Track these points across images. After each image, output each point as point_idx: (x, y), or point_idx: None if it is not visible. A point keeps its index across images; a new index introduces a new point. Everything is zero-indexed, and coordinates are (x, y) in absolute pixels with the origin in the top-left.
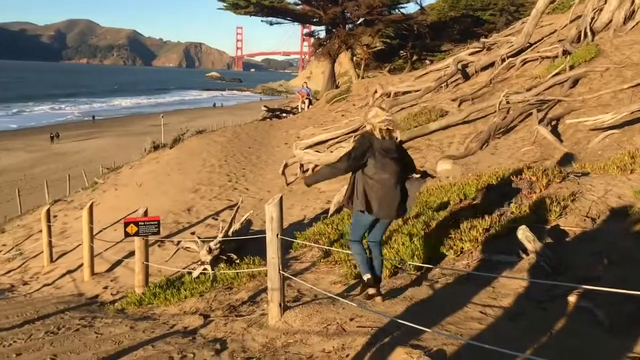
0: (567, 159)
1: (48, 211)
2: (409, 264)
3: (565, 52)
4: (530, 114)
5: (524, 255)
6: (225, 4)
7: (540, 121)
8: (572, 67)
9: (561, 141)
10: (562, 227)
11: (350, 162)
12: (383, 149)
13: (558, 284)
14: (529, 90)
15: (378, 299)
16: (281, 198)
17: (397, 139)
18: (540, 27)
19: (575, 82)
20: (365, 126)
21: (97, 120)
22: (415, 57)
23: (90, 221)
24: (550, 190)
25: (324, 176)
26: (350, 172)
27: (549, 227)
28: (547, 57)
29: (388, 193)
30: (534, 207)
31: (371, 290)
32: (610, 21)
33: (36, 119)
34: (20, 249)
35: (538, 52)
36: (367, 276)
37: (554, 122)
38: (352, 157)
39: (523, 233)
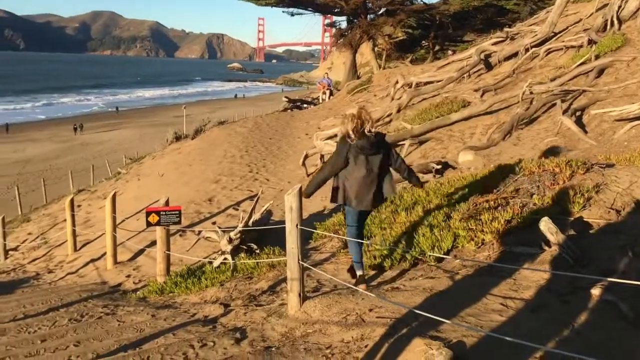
0: (591, 150)
1: (72, 201)
2: (429, 255)
3: (591, 42)
4: (554, 104)
5: (546, 247)
6: None
7: (565, 112)
8: (597, 57)
9: (586, 132)
10: (585, 219)
11: (333, 169)
12: (358, 147)
13: (581, 276)
14: (553, 80)
15: (363, 286)
16: (301, 188)
17: (372, 134)
18: (565, 16)
19: (600, 72)
20: (341, 131)
21: (121, 111)
22: (437, 48)
23: (113, 211)
24: (574, 182)
25: (317, 183)
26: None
27: (572, 218)
28: (572, 47)
29: (363, 188)
30: (556, 198)
31: (362, 286)
32: (638, 9)
33: (62, 110)
34: (45, 238)
35: (563, 41)
36: (359, 272)
37: (578, 113)
38: (332, 164)
39: (545, 225)
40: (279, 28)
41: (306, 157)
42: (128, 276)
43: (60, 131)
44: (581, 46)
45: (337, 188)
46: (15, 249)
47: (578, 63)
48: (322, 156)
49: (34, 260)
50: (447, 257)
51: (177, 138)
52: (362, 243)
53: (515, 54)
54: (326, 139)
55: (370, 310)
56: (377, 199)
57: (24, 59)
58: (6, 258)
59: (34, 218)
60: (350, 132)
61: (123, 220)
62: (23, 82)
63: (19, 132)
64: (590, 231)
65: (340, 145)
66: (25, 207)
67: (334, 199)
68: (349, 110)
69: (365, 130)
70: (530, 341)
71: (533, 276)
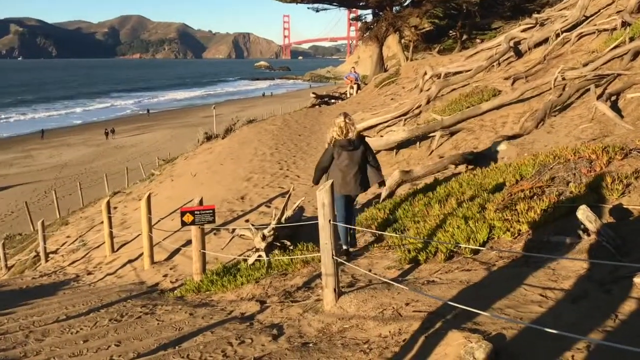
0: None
1: (108, 203)
2: (465, 248)
3: (625, 24)
4: (588, 89)
5: (584, 236)
6: None
7: (599, 97)
8: (632, 39)
9: (622, 117)
10: (625, 206)
11: (323, 162)
12: (341, 146)
13: (622, 264)
14: (585, 65)
15: (343, 257)
16: (332, 184)
17: (352, 137)
18: None
19: (635, 55)
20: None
21: (152, 114)
22: (465, 37)
23: (149, 211)
24: (612, 168)
25: (317, 176)
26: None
27: (611, 206)
28: (605, 30)
29: (346, 175)
30: (594, 185)
31: (342, 257)
32: None
33: (96, 115)
34: (84, 240)
35: (595, 25)
36: (344, 247)
37: (613, 98)
38: (322, 158)
39: (583, 213)
40: (304, 25)
41: None
42: (165, 276)
43: (94, 135)
44: (614, 29)
45: (326, 176)
46: (55, 252)
47: (612, 46)
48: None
49: (73, 262)
50: (482, 248)
51: (208, 138)
52: (347, 227)
53: (546, 40)
54: None
55: (407, 304)
56: (363, 186)
57: (56, 65)
58: (47, 261)
59: (72, 221)
60: (335, 136)
61: (158, 221)
62: (57, 89)
63: (54, 137)
64: (630, 218)
65: (328, 144)
66: (63, 211)
67: (317, 180)
68: (337, 118)
69: (349, 134)
70: (572, 332)
71: (572, 266)
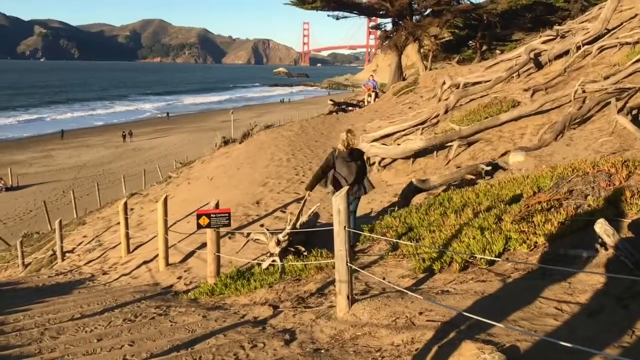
0: None
1: (125, 204)
2: (480, 258)
3: None
4: (608, 103)
5: (602, 250)
6: (292, 0)
7: (620, 110)
8: None
9: None
10: None
11: (323, 170)
12: (341, 157)
13: None
14: (606, 78)
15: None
16: (348, 191)
17: (351, 149)
18: (619, 11)
19: None
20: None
21: (171, 117)
22: (484, 47)
23: (165, 213)
24: (631, 182)
25: (315, 180)
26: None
27: (630, 220)
28: (627, 43)
29: (346, 182)
30: (613, 199)
31: None
32: None
33: (117, 117)
34: (100, 240)
35: (617, 38)
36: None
37: (634, 112)
38: (323, 167)
39: (601, 226)
40: (323, 32)
41: None
42: (179, 278)
43: (113, 137)
44: (637, 42)
45: (330, 180)
46: (71, 251)
47: (634, 60)
48: (368, 158)
49: (89, 262)
50: (498, 260)
51: (226, 142)
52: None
53: (566, 52)
54: (372, 141)
55: (420, 313)
56: (360, 191)
57: (78, 67)
58: (63, 260)
59: (89, 221)
60: (340, 148)
61: (174, 223)
62: (78, 91)
63: (73, 138)
64: None
65: (330, 154)
66: (81, 211)
67: (325, 186)
68: (342, 133)
69: (351, 146)
70: (588, 347)
71: (589, 279)
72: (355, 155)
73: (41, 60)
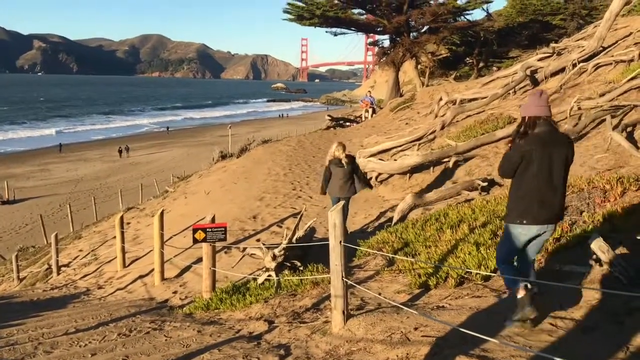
0: None
1: (122, 218)
2: (476, 274)
3: None
4: (604, 120)
5: (597, 266)
6: (290, 16)
7: (615, 127)
8: None
9: (638, 148)
10: (638, 238)
11: (325, 176)
12: (335, 164)
13: (635, 295)
14: (602, 95)
15: None
16: (343, 206)
17: (344, 158)
18: (615, 30)
19: None
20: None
21: (170, 132)
22: (481, 64)
23: (161, 228)
24: (626, 199)
25: (322, 185)
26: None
27: (624, 237)
28: (622, 61)
29: (341, 184)
30: (607, 216)
31: None
32: None
33: (114, 131)
34: (96, 254)
35: (612, 56)
36: None
37: (629, 129)
38: (325, 175)
39: (596, 243)
40: (322, 48)
41: None
42: (175, 292)
43: (111, 151)
44: (632, 60)
45: (327, 185)
46: (67, 265)
47: (629, 78)
48: (365, 173)
49: (84, 276)
50: (494, 275)
51: (223, 157)
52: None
53: (562, 70)
54: (369, 157)
55: (416, 328)
56: (351, 191)
57: (76, 81)
58: (59, 274)
59: (85, 235)
60: (334, 157)
61: (170, 237)
62: (78, 105)
63: (71, 152)
64: None
65: (327, 167)
66: (77, 225)
67: (324, 191)
68: (334, 144)
69: (342, 155)
70: None
71: (584, 295)
72: (345, 162)
73: (39, 74)
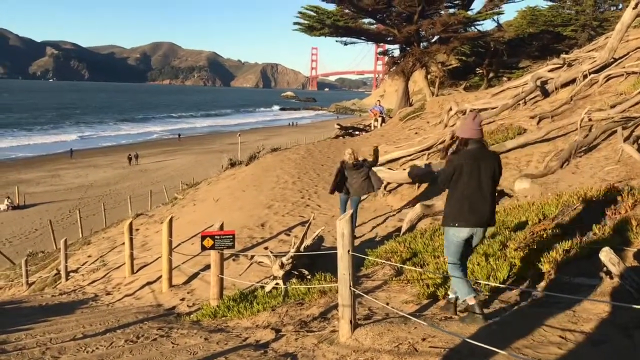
0: None
1: (130, 224)
2: (484, 285)
3: None
4: (615, 131)
5: (607, 279)
6: (300, 27)
7: (626, 139)
8: None
9: None
10: None
11: (335, 177)
12: (349, 167)
13: None
14: (613, 107)
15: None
16: (352, 214)
17: (356, 161)
18: (626, 41)
19: None
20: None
21: (181, 139)
22: (491, 75)
23: (170, 235)
24: (637, 211)
25: (332, 185)
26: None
27: (635, 249)
28: (634, 73)
29: (355, 184)
30: (618, 228)
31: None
32: None
33: (125, 138)
34: (104, 260)
35: (623, 67)
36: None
37: None
38: (336, 175)
39: (607, 255)
40: (331, 57)
41: None
42: (182, 299)
43: (121, 158)
44: None
45: (339, 185)
46: (75, 271)
47: None
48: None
49: (93, 282)
50: (503, 286)
51: (232, 164)
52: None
53: (573, 81)
54: (378, 166)
55: (423, 339)
56: (367, 190)
57: (88, 88)
58: (67, 279)
59: (94, 241)
60: (346, 161)
61: (179, 244)
62: (89, 111)
63: (82, 157)
64: None
65: (338, 167)
66: (86, 230)
67: (334, 190)
68: (346, 150)
69: (354, 159)
70: None
71: (594, 308)
72: (358, 164)
73: (50, 80)
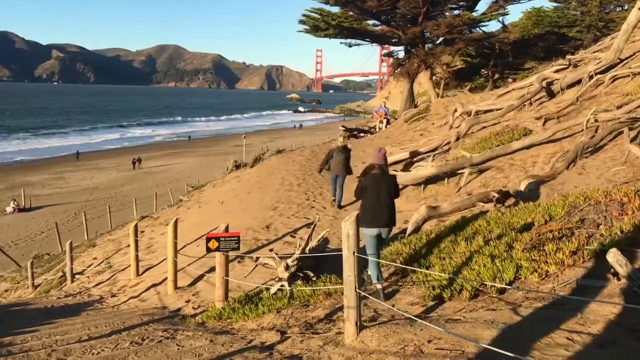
0: None
1: (136, 227)
2: (490, 286)
3: None
4: (621, 132)
5: (614, 280)
6: (305, 27)
7: (632, 140)
8: None
9: None
10: None
11: (324, 160)
12: (337, 152)
13: None
14: (619, 107)
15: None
16: (357, 216)
17: (344, 147)
18: (632, 42)
19: None
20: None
21: (185, 141)
22: (497, 76)
23: (175, 237)
24: None
25: (320, 167)
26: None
27: None
28: None
29: (338, 165)
30: (625, 229)
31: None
32: None
33: (131, 140)
34: (110, 263)
35: (629, 68)
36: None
37: None
38: (325, 159)
39: (614, 256)
40: (336, 59)
41: None
42: (187, 301)
43: (126, 160)
44: None
45: (327, 166)
46: (81, 273)
47: None
48: None
49: (98, 284)
50: (509, 288)
51: (237, 166)
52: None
53: (579, 82)
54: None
55: (429, 341)
56: (342, 172)
57: (93, 91)
58: (73, 282)
59: (100, 243)
60: (338, 145)
61: (184, 246)
62: (95, 114)
63: (87, 160)
64: None
65: (327, 153)
66: (92, 233)
67: (322, 170)
68: (339, 138)
69: (342, 145)
70: None
71: (601, 310)
72: (345, 150)
73: (55, 83)
